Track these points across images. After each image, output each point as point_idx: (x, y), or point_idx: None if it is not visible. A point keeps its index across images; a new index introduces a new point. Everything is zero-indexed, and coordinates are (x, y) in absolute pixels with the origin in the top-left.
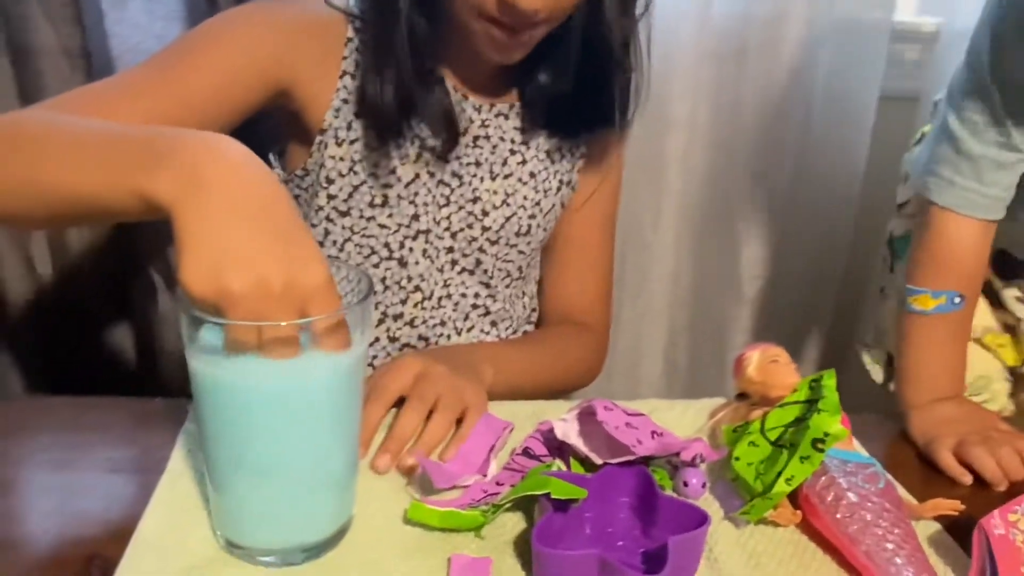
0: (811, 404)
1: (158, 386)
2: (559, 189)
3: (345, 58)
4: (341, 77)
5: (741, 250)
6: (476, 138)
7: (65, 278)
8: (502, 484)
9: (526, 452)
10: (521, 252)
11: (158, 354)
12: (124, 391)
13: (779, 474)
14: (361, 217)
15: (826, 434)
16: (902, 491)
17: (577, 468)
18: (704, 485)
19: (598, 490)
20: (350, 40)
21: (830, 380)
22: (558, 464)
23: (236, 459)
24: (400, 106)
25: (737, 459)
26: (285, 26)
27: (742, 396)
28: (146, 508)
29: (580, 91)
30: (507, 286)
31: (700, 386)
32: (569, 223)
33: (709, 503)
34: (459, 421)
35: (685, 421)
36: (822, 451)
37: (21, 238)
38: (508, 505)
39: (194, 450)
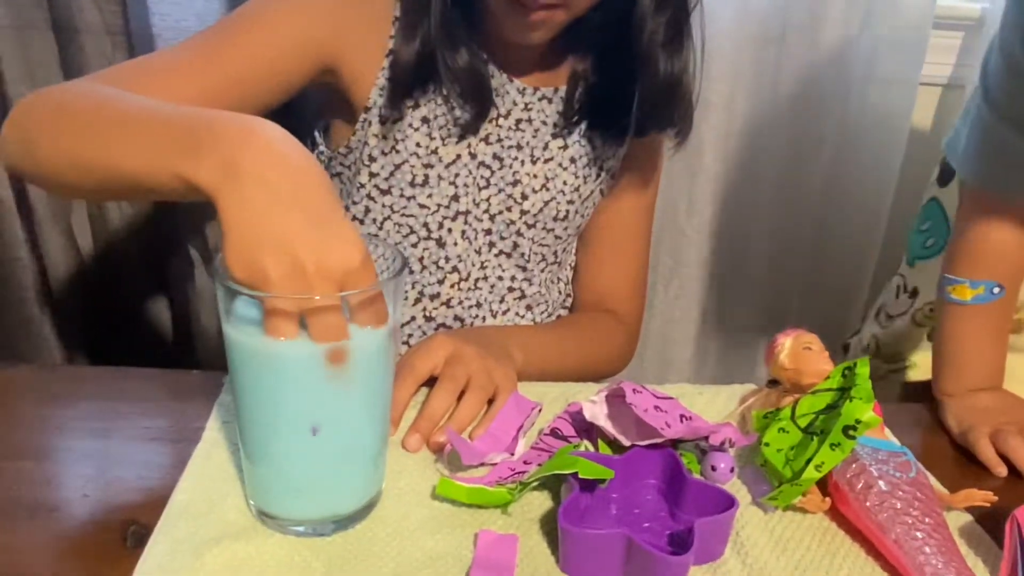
0: (843, 392)
1: (194, 359)
2: (599, 176)
3: (392, 36)
4: (388, 55)
5: (777, 236)
6: (519, 121)
7: (105, 252)
8: (529, 463)
9: (554, 433)
10: (558, 237)
11: (194, 328)
12: (161, 363)
13: (809, 460)
14: (401, 196)
15: (858, 421)
16: (934, 481)
17: (605, 449)
18: (732, 470)
19: (625, 471)
20: (397, 19)
21: (863, 368)
22: (586, 445)
23: (270, 430)
24: (420, 63)
25: (767, 445)
26: (332, 3)
27: (773, 383)
28: (181, 476)
29: (618, 86)
30: (543, 270)
31: (730, 373)
32: (607, 210)
33: (737, 488)
34: (490, 402)
35: (715, 406)
36: (853, 438)
37: (63, 211)
38: (535, 484)
39: (229, 421)
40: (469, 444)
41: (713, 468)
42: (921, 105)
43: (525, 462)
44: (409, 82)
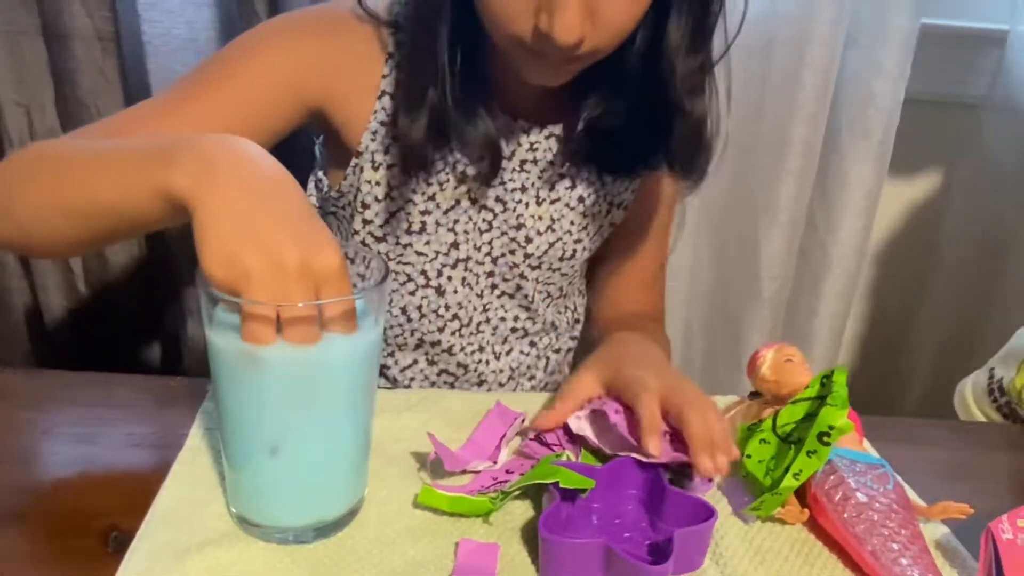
0: (821, 400)
1: (181, 366)
2: (609, 212)
3: (385, 76)
4: (380, 97)
5: (760, 249)
6: (523, 162)
7: (100, 290)
8: (512, 472)
9: (539, 439)
10: (564, 274)
11: (182, 335)
12: (147, 370)
13: (787, 469)
14: (398, 243)
15: (831, 427)
16: (911, 493)
17: (588, 459)
18: (710, 480)
19: (607, 481)
20: (391, 56)
21: (840, 376)
22: (568, 455)
23: (251, 437)
24: (431, 138)
25: (749, 456)
26: (318, 41)
27: (756, 394)
28: (164, 483)
29: (634, 127)
30: (547, 307)
31: (715, 382)
32: (627, 235)
33: (718, 499)
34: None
35: None
36: (828, 444)
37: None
38: (517, 492)
39: (212, 428)
40: (451, 451)
41: (690, 479)
42: (905, 122)
43: (507, 471)
44: (423, 157)
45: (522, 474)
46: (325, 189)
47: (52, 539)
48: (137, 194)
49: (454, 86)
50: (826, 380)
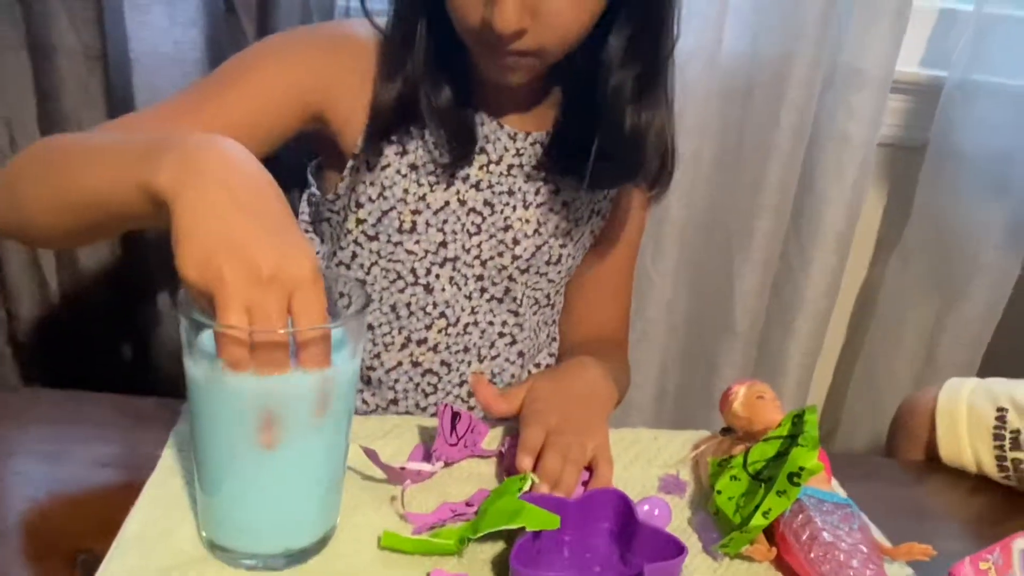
0: (792, 439)
1: (149, 385)
2: (590, 218)
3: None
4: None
5: (735, 285)
6: (511, 167)
7: (72, 293)
8: (472, 504)
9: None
10: (551, 280)
11: (152, 353)
12: (116, 388)
13: (756, 507)
14: (389, 242)
15: (801, 468)
16: (876, 533)
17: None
18: (668, 514)
19: (578, 514)
20: None
21: (812, 416)
22: (532, 477)
23: (225, 463)
24: (401, 103)
25: (719, 493)
26: (320, 51)
27: (728, 430)
28: (134, 505)
29: (591, 138)
30: (535, 313)
31: (688, 414)
32: (600, 251)
33: (688, 535)
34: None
35: (669, 451)
36: (798, 485)
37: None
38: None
39: (184, 450)
40: (393, 467)
41: (646, 506)
42: (878, 164)
43: (468, 504)
44: (389, 123)
45: (479, 507)
46: (319, 197)
47: (19, 561)
48: (122, 189)
49: (429, 59)
50: (797, 419)
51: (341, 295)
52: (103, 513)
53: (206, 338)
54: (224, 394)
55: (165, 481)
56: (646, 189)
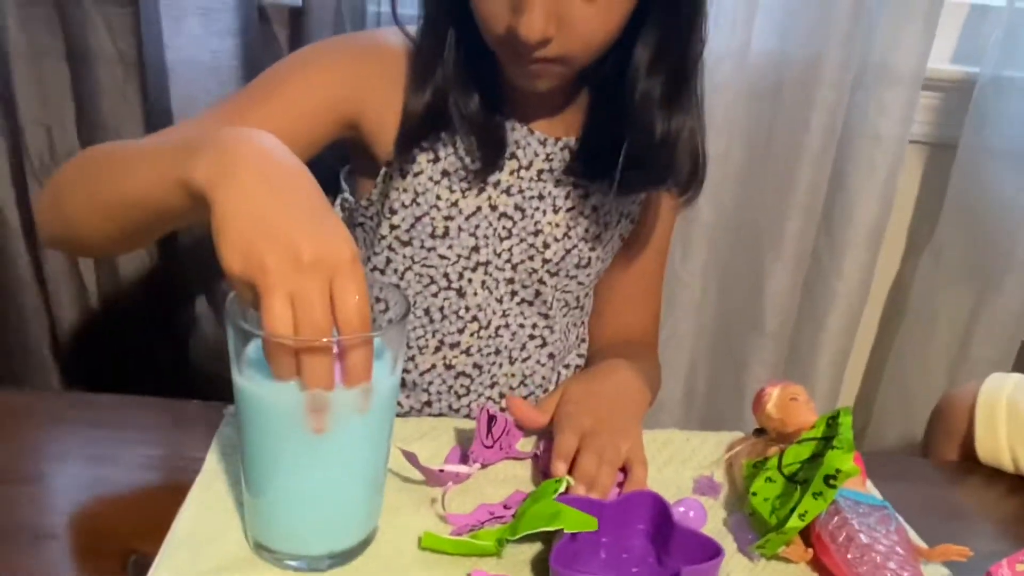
0: (827, 441)
1: (189, 390)
2: (619, 222)
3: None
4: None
5: (766, 284)
6: (540, 172)
7: (111, 297)
8: (509, 507)
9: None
10: (580, 283)
11: (192, 362)
12: (155, 393)
13: (792, 509)
14: (422, 247)
15: (838, 470)
16: (912, 534)
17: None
18: (703, 515)
19: (615, 516)
20: None
21: (846, 418)
22: (568, 480)
23: (272, 469)
24: (430, 110)
25: (754, 494)
26: (354, 60)
27: (760, 431)
28: (181, 507)
29: (618, 142)
30: (564, 315)
31: (718, 415)
32: (630, 253)
33: (723, 536)
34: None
35: (702, 452)
36: (834, 487)
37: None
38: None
39: (228, 453)
40: (431, 469)
41: (681, 508)
42: (910, 162)
43: (505, 506)
44: (420, 130)
45: (524, 499)
46: (352, 202)
47: (71, 562)
48: (163, 187)
49: (459, 66)
50: (832, 421)
51: (378, 300)
52: (151, 515)
53: (253, 346)
54: (272, 401)
55: (211, 484)
56: (677, 195)
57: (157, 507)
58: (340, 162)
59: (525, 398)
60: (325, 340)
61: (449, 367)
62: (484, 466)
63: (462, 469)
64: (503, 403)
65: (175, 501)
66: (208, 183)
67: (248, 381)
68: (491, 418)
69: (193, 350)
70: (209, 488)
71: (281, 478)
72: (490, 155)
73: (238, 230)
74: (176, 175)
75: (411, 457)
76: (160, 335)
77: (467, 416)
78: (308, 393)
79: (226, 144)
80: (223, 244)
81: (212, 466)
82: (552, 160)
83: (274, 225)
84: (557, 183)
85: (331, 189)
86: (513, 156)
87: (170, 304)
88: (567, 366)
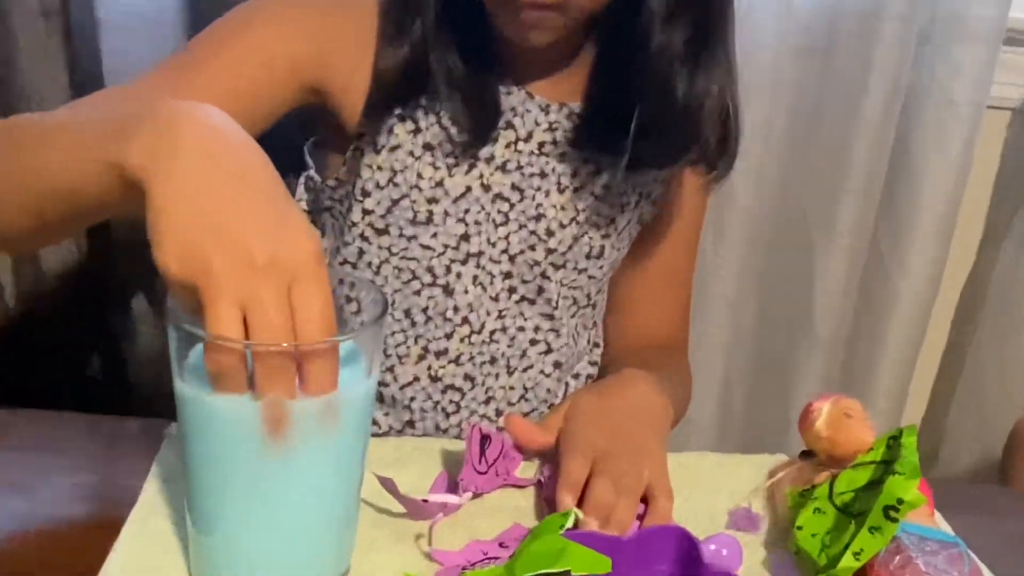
0: (887, 465)
1: (126, 405)
2: (637, 204)
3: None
4: None
5: (815, 280)
6: (542, 144)
7: (31, 297)
8: (506, 546)
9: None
10: (591, 277)
11: (129, 374)
12: (86, 408)
13: (846, 547)
14: (401, 236)
15: (900, 500)
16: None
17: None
18: (737, 554)
19: (633, 554)
20: None
21: (910, 438)
22: (576, 513)
23: (222, 499)
24: (408, 70)
25: (800, 529)
26: (318, 12)
27: (808, 454)
28: (114, 544)
29: (631, 110)
30: (572, 316)
31: (758, 436)
32: (653, 238)
33: None
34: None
35: (738, 479)
36: (895, 521)
37: None
38: None
39: (170, 480)
40: (415, 500)
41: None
42: (988, 131)
43: (501, 544)
44: (395, 94)
45: (516, 548)
46: (318, 182)
47: None
48: (88, 173)
49: (441, 18)
50: (892, 442)
51: (349, 299)
52: (78, 555)
53: (198, 351)
54: (221, 414)
55: (148, 517)
56: (704, 170)
57: (85, 545)
58: (304, 133)
59: (526, 415)
60: (284, 345)
61: (435, 379)
62: (477, 495)
63: (450, 499)
64: (500, 422)
65: (107, 537)
66: (143, 169)
67: (193, 389)
68: (484, 438)
69: (130, 359)
70: (147, 522)
71: (233, 510)
72: (481, 124)
73: (177, 226)
74: (106, 158)
75: (388, 484)
76: (91, 341)
77: (457, 437)
78: (264, 401)
79: (164, 121)
80: (159, 242)
81: (151, 496)
82: (556, 130)
83: (221, 219)
84: (562, 158)
85: (294, 166)
86: (509, 125)
87: (103, 305)
88: (576, 376)
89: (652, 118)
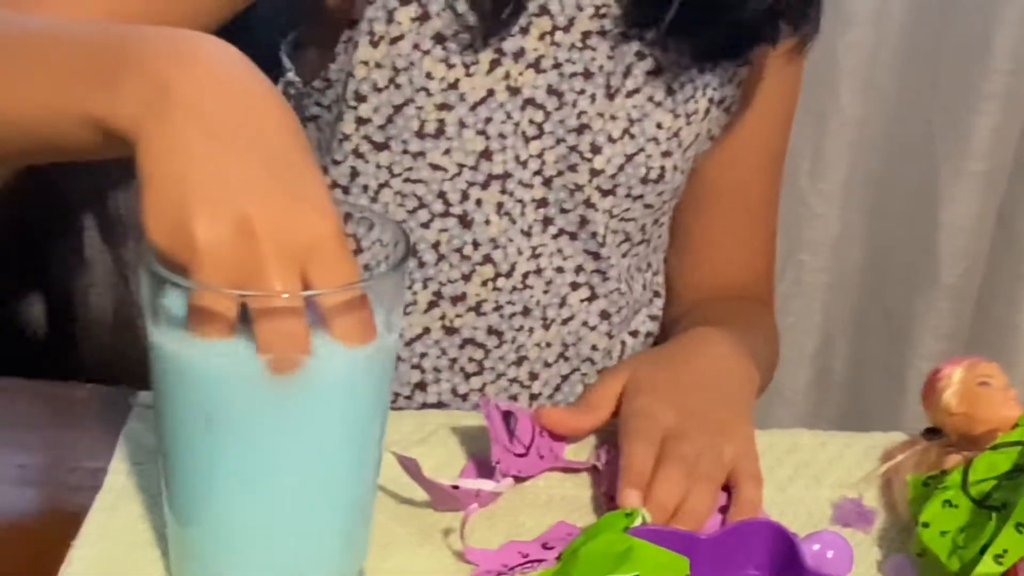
0: None
1: (74, 365)
2: (707, 112)
3: None
4: None
5: (941, 212)
6: (586, 34)
7: None
8: (551, 547)
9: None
10: (648, 206)
11: (78, 325)
12: (28, 372)
13: (985, 548)
14: (405, 152)
15: None
16: None
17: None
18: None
19: (716, 555)
20: None
21: None
22: (642, 513)
23: (208, 478)
24: None
25: (926, 526)
26: None
27: (934, 431)
28: (74, 540)
29: None
30: (624, 255)
31: (865, 408)
32: (721, 163)
33: None
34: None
35: (845, 464)
36: None
37: None
38: None
39: (141, 462)
40: (443, 485)
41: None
42: None
43: (545, 545)
44: None
45: (571, 536)
46: (300, 85)
47: None
48: (62, 117)
49: None
50: None
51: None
52: (29, 553)
53: (176, 299)
54: (205, 376)
55: (116, 505)
56: (792, 30)
57: (38, 541)
58: (280, 31)
59: (566, 377)
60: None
61: (451, 331)
62: (519, 480)
63: (485, 485)
64: (534, 387)
65: (65, 532)
66: (133, 126)
67: (172, 340)
68: (507, 415)
69: (81, 309)
70: (114, 512)
71: (221, 496)
72: (506, 5)
73: (165, 193)
74: (84, 106)
75: (411, 465)
76: (32, 288)
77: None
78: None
79: (161, 64)
80: (148, 210)
81: (117, 480)
82: (605, 16)
83: (216, 185)
84: (612, 52)
85: (268, 68)
86: (544, 11)
87: (46, 243)
88: (634, 334)
89: None
